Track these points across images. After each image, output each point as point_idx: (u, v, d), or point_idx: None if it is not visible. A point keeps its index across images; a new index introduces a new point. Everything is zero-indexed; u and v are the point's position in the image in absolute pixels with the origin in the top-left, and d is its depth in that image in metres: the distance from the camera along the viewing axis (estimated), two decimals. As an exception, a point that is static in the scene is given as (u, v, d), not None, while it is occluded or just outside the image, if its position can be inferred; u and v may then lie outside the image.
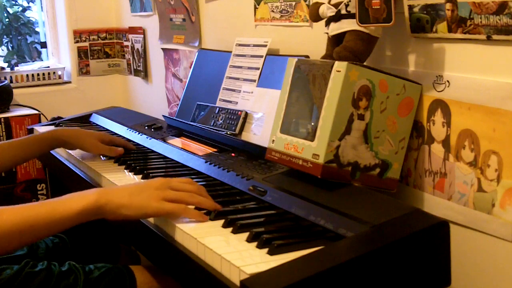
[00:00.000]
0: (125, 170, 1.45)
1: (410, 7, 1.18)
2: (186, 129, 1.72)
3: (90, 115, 2.22)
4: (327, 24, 1.28)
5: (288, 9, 1.63)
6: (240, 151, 1.44)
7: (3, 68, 2.74)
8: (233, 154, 1.43)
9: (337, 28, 1.24)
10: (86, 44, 2.82)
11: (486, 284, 1.14)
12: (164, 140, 1.66)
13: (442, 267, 0.96)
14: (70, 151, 1.67)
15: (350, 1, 1.21)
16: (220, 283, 0.89)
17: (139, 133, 1.78)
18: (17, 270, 1.22)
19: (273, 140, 1.21)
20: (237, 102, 1.66)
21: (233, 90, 1.70)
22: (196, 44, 2.13)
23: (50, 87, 2.80)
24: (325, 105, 1.10)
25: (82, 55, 2.83)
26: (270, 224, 1.06)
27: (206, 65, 1.89)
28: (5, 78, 2.69)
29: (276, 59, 1.60)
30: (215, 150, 1.49)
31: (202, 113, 1.74)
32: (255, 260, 0.90)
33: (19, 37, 3.08)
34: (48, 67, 2.87)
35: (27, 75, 2.76)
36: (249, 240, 0.97)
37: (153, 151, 1.64)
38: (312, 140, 1.12)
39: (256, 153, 1.38)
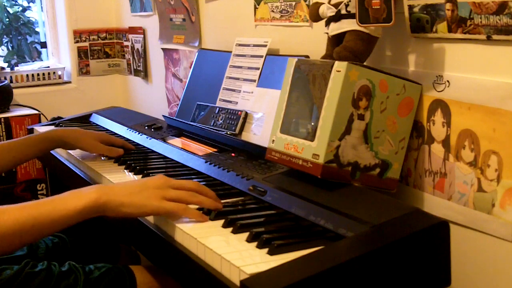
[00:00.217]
0: (125, 170, 1.45)
1: (410, 7, 1.18)
2: (186, 129, 1.72)
3: (90, 115, 2.22)
4: (327, 24, 1.28)
5: (288, 9, 1.63)
6: (240, 151, 1.44)
7: (3, 68, 2.74)
8: (233, 154, 1.43)
9: (337, 28, 1.24)
10: (86, 44, 2.82)
11: (486, 284, 1.14)
12: (164, 140, 1.66)
13: (442, 267, 0.96)
14: (70, 151, 1.67)
15: (350, 1, 1.21)
16: (220, 283, 0.89)
17: (139, 133, 1.78)
18: (17, 270, 1.22)
19: (273, 140, 1.21)
20: (237, 102, 1.66)
21: (233, 90, 1.70)
22: (196, 44, 2.13)
23: (50, 87, 2.80)
24: (325, 105, 1.10)
25: (82, 55, 2.83)
26: (270, 224, 1.06)
27: (206, 65, 1.89)
28: (5, 78, 2.69)
29: (276, 59, 1.60)
30: (215, 150, 1.50)
31: (202, 113, 1.74)
32: (255, 260, 0.90)
33: (19, 37, 3.08)
34: (48, 67, 2.87)
35: (27, 75, 2.76)
36: (249, 240, 0.97)
37: (153, 151, 1.64)
38: (312, 140, 1.12)
39: (256, 153, 1.38)
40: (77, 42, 2.80)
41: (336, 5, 1.25)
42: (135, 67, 2.71)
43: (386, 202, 1.05)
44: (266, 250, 0.93)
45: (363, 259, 0.86)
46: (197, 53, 1.98)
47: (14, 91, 2.60)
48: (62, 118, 2.26)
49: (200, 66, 1.92)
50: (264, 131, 1.51)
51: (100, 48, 2.85)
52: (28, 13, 3.13)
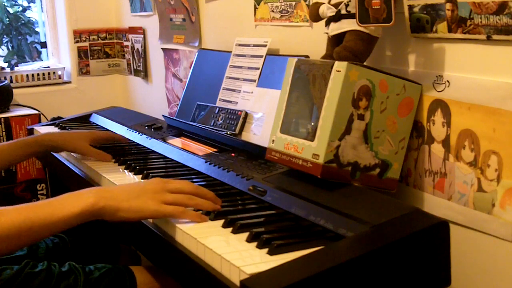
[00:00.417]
0: (125, 170, 1.45)
1: (410, 7, 1.18)
2: (186, 129, 1.72)
3: (90, 115, 2.22)
4: (327, 24, 1.28)
5: (288, 9, 1.63)
6: (240, 151, 1.44)
7: (3, 68, 2.74)
8: (233, 154, 1.43)
9: (337, 28, 1.24)
10: (86, 44, 2.82)
11: (486, 284, 1.14)
12: (164, 140, 1.66)
13: (442, 267, 0.96)
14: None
15: (350, 1, 1.21)
16: (220, 283, 0.89)
17: (139, 133, 1.78)
18: (17, 270, 1.22)
19: (273, 140, 1.21)
20: (237, 102, 1.66)
21: (233, 90, 1.70)
22: (196, 44, 2.13)
23: (50, 87, 2.80)
24: (325, 105, 1.10)
25: (82, 55, 2.83)
26: (270, 224, 1.06)
27: (206, 65, 1.89)
28: (5, 78, 2.69)
29: (276, 59, 1.60)
30: (215, 150, 1.50)
31: (202, 113, 1.74)
32: (255, 260, 0.90)
33: (19, 37, 3.08)
34: (48, 67, 2.87)
35: (27, 75, 2.76)
36: (249, 240, 0.97)
37: (153, 151, 1.64)
38: (312, 140, 1.12)
39: (256, 153, 1.38)
40: (77, 42, 2.80)
41: (336, 5, 1.25)
42: (135, 67, 2.71)
43: (386, 202, 1.05)
44: (266, 250, 0.93)
45: (363, 259, 0.86)
46: (197, 53, 1.98)
47: (14, 91, 2.60)
48: (62, 118, 2.27)
49: (200, 66, 1.92)
50: (264, 131, 1.51)
51: (100, 48, 2.85)
52: (28, 13, 3.13)
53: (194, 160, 1.45)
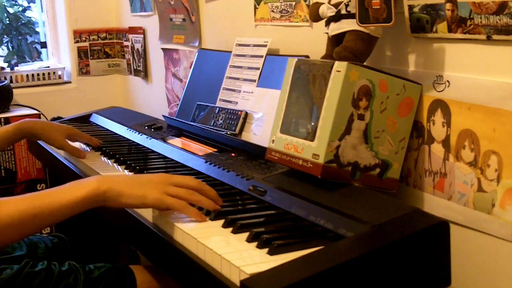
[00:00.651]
0: (125, 170, 1.45)
1: (410, 7, 1.18)
2: (186, 129, 1.72)
3: (90, 115, 2.22)
4: (327, 24, 1.28)
5: (288, 9, 1.63)
6: (240, 151, 1.44)
7: (3, 68, 2.74)
8: (233, 154, 1.43)
9: (337, 28, 1.24)
10: (86, 44, 2.82)
11: (486, 284, 1.14)
12: (164, 140, 1.66)
13: (442, 267, 0.96)
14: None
15: (350, 1, 1.21)
16: (220, 283, 0.89)
17: (139, 133, 1.78)
18: (17, 270, 1.22)
19: (273, 140, 1.21)
20: (237, 102, 1.66)
21: (233, 90, 1.70)
22: (196, 44, 2.13)
23: (50, 87, 2.80)
24: (325, 105, 1.10)
25: (82, 55, 2.83)
26: (270, 224, 1.06)
27: (206, 65, 1.89)
28: (5, 78, 2.69)
29: (276, 59, 1.60)
30: (215, 150, 1.50)
31: (202, 113, 1.74)
32: (255, 260, 0.90)
33: (19, 37, 3.08)
34: (48, 67, 2.87)
35: (27, 75, 2.76)
36: (249, 240, 0.97)
37: (153, 151, 1.64)
38: (312, 140, 1.12)
39: (256, 153, 1.38)
40: (77, 42, 2.80)
41: (336, 5, 1.25)
42: (135, 67, 2.71)
43: (386, 202, 1.05)
44: (266, 250, 0.93)
45: (363, 259, 0.86)
46: (197, 53, 1.98)
47: (14, 91, 2.60)
48: (62, 118, 2.26)
49: (200, 66, 1.92)
50: (264, 131, 1.51)
51: (100, 48, 2.86)
52: (28, 13, 3.13)
53: (194, 160, 1.45)
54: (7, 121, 2.42)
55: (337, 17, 1.24)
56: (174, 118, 1.84)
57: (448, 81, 1.15)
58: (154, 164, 1.52)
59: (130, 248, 1.68)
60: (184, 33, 2.20)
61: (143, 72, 2.63)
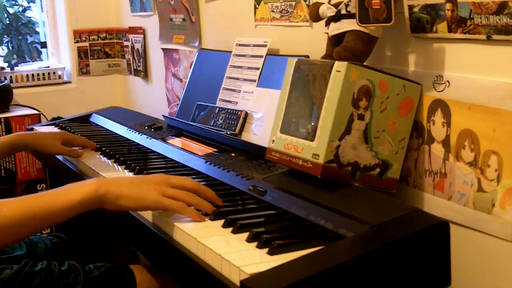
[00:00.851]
0: (125, 170, 1.45)
1: (410, 7, 1.18)
2: (186, 129, 1.72)
3: (90, 115, 2.22)
4: (327, 24, 1.28)
5: (288, 9, 1.63)
6: (240, 151, 1.44)
7: (3, 68, 2.74)
8: (233, 154, 1.43)
9: (337, 28, 1.24)
10: (86, 44, 2.82)
11: (486, 284, 1.14)
12: (164, 140, 1.66)
13: (442, 267, 0.96)
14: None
15: (350, 1, 1.21)
16: (220, 283, 0.89)
17: (139, 133, 1.78)
18: (17, 270, 1.22)
19: (273, 140, 1.21)
20: (237, 102, 1.66)
21: (233, 90, 1.70)
22: (196, 44, 2.13)
23: (50, 87, 2.80)
24: (325, 105, 1.10)
25: (82, 55, 2.83)
26: (270, 224, 1.06)
27: (206, 65, 1.89)
28: (5, 78, 2.69)
29: (276, 59, 1.60)
30: (215, 150, 1.50)
31: (202, 113, 1.74)
32: (255, 260, 0.90)
33: (19, 37, 3.08)
34: (48, 67, 2.87)
35: (27, 75, 2.76)
36: (249, 240, 0.97)
37: (153, 151, 1.64)
38: (312, 140, 1.12)
39: (256, 153, 1.37)
40: (77, 42, 2.80)
41: (336, 5, 1.25)
42: (135, 67, 2.71)
43: (386, 202, 1.05)
44: (266, 250, 0.93)
45: (363, 259, 0.86)
46: (197, 53, 1.98)
47: (14, 91, 2.60)
48: (62, 118, 2.27)
49: (200, 66, 1.92)
50: (264, 131, 1.51)
51: (100, 48, 2.86)
52: (28, 13, 3.13)
53: (194, 160, 1.45)
54: (7, 121, 2.42)
55: (337, 17, 1.24)
56: (174, 118, 1.84)
57: (448, 81, 1.15)
58: (154, 164, 1.52)
59: (130, 248, 1.68)
60: (184, 33, 2.20)
61: (143, 72, 2.63)
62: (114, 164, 1.52)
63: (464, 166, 1.13)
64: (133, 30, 2.67)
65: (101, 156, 1.62)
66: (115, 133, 1.92)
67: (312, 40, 1.54)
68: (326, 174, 1.10)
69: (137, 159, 1.57)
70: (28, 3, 3.12)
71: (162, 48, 2.41)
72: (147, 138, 1.72)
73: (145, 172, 1.39)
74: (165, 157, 1.57)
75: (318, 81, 1.13)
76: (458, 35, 1.10)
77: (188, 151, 1.53)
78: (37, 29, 3.10)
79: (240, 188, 1.23)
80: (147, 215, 1.15)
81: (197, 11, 2.09)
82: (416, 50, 1.23)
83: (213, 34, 2.05)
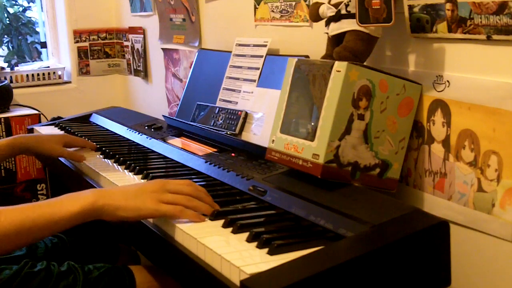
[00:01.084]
0: (125, 170, 1.45)
1: (410, 7, 1.18)
2: (186, 129, 1.72)
3: (90, 115, 2.22)
4: (327, 24, 1.28)
5: (288, 9, 1.63)
6: (240, 151, 1.44)
7: (3, 68, 2.74)
8: (233, 154, 1.43)
9: (337, 28, 1.24)
10: (86, 44, 2.82)
11: (486, 284, 1.14)
12: (164, 140, 1.66)
13: (442, 267, 0.96)
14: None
15: (350, 1, 1.21)
16: (220, 283, 0.89)
17: (139, 133, 1.78)
18: (16, 270, 1.22)
19: (273, 140, 1.21)
20: (237, 102, 1.66)
21: (233, 90, 1.70)
22: (196, 44, 2.13)
23: (50, 87, 2.80)
24: (325, 105, 1.10)
25: (82, 55, 2.83)
26: (270, 224, 1.06)
27: (206, 65, 1.89)
28: (5, 78, 2.69)
29: (276, 59, 1.60)
30: (215, 150, 1.49)
31: (202, 113, 1.74)
32: (255, 260, 0.90)
33: (19, 37, 3.08)
34: (48, 67, 2.87)
35: (27, 75, 2.76)
36: (249, 240, 0.97)
37: (153, 151, 1.64)
38: (312, 140, 1.12)
39: (256, 153, 1.37)
40: (77, 42, 2.80)
41: (336, 5, 1.25)
42: (135, 67, 2.71)
43: (386, 202, 1.05)
44: (266, 250, 0.93)
45: (363, 259, 0.86)
46: (197, 53, 1.98)
47: (14, 91, 2.60)
48: (62, 118, 2.27)
49: (200, 66, 1.92)
50: (264, 131, 1.51)
51: (100, 48, 2.86)
52: (28, 13, 3.13)
53: (194, 160, 1.45)
54: (7, 121, 2.42)
55: (337, 17, 1.24)
56: (174, 118, 1.84)
57: (448, 81, 1.15)
58: (154, 164, 1.52)
59: (130, 248, 1.68)
60: (184, 33, 2.20)
61: (143, 72, 2.63)
62: (114, 164, 1.52)
63: (464, 166, 1.13)
64: (133, 30, 2.67)
65: (101, 156, 1.62)
66: (115, 133, 1.92)
67: (312, 40, 1.54)
68: (326, 174, 1.10)
69: (137, 159, 1.57)
70: (28, 3, 3.12)
71: (162, 48, 2.41)
72: (147, 138, 1.72)
73: (145, 172, 1.39)
74: (165, 157, 1.57)
75: (318, 81, 1.13)
76: (458, 35, 1.10)
77: (188, 151, 1.53)
78: (37, 29, 3.10)
79: (240, 188, 1.23)
80: (147, 215, 1.15)
81: (197, 11, 2.09)
82: (416, 50, 1.23)
83: (213, 34, 2.05)
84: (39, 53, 3.10)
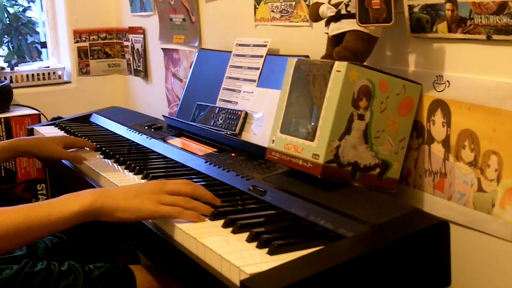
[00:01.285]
0: (125, 170, 1.45)
1: (410, 7, 1.18)
2: (186, 129, 1.72)
3: (90, 115, 2.22)
4: (327, 24, 1.28)
5: (288, 9, 1.63)
6: (240, 151, 1.44)
7: (3, 68, 2.74)
8: (233, 154, 1.43)
9: (337, 28, 1.24)
10: (86, 44, 2.82)
11: (486, 284, 1.14)
12: (164, 140, 1.66)
13: (442, 267, 0.96)
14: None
15: (350, 1, 1.21)
16: (220, 283, 0.89)
17: (139, 133, 1.78)
18: (17, 270, 1.22)
19: (273, 140, 1.21)
20: (237, 102, 1.66)
21: (233, 90, 1.70)
22: (196, 44, 2.13)
23: (50, 87, 2.80)
24: (325, 105, 1.10)
25: (82, 55, 2.83)
26: (270, 224, 1.06)
27: (206, 65, 1.89)
28: (5, 78, 2.69)
29: (276, 59, 1.60)
30: (215, 150, 1.50)
31: (202, 113, 1.74)
32: (255, 260, 0.90)
33: (19, 37, 3.08)
34: (48, 67, 2.87)
35: (27, 75, 2.76)
36: (249, 240, 0.97)
37: (153, 151, 1.64)
38: (312, 140, 1.12)
39: (256, 153, 1.37)
40: (77, 42, 2.80)
41: (336, 5, 1.25)
42: (135, 67, 2.71)
43: (386, 202, 1.05)
44: (266, 250, 0.93)
45: (363, 259, 0.86)
46: (197, 53, 1.98)
47: (14, 91, 2.60)
48: (62, 118, 2.27)
49: (200, 66, 1.92)
50: (264, 131, 1.51)
51: (100, 48, 2.86)
52: (28, 13, 3.13)
53: (194, 160, 1.45)
54: (7, 121, 2.42)
55: (337, 17, 1.24)
56: (174, 118, 1.84)
57: (448, 81, 1.15)
58: (154, 164, 1.52)
59: (130, 248, 1.68)
60: (184, 33, 2.20)
61: (143, 72, 2.63)
62: (114, 164, 1.52)
63: (464, 166, 1.13)
64: (133, 30, 2.67)
65: (101, 156, 1.62)
66: (115, 133, 1.92)
67: (312, 40, 1.54)
68: (326, 174, 1.10)
69: (137, 159, 1.57)
70: (28, 3, 3.12)
71: (162, 48, 2.41)
72: (147, 138, 1.72)
73: (145, 172, 1.39)
74: (165, 157, 1.57)
75: (318, 81, 1.13)
76: (458, 35, 1.10)
77: (188, 151, 1.53)
78: (37, 29, 3.10)
79: (240, 188, 1.23)
80: (147, 215, 1.15)
81: (197, 11, 2.09)
82: (416, 50, 1.23)
83: (213, 34, 2.05)
84: (39, 53, 3.10)
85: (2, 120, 2.41)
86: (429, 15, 1.15)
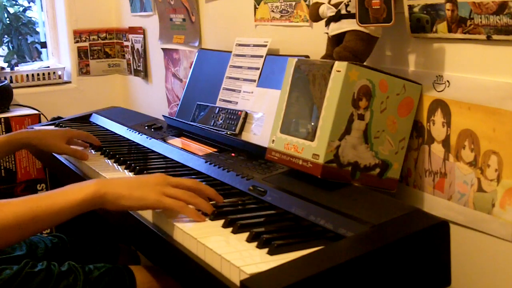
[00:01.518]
0: (125, 170, 1.45)
1: (410, 7, 1.18)
2: (186, 129, 1.72)
3: (90, 115, 2.22)
4: (327, 24, 1.28)
5: (288, 9, 1.63)
6: (240, 151, 1.44)
7: (3, 68, 2.74)
8: (233, 154, 1.43)
9: (337, 28, 1.24)
10: (86, 44, 2.82)
11: (486, 284, 1.14)
12: (164, 140, 1.66)
13: (442, 267, 0.96)
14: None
15: (350, 1, 1.21)
16: (220, 283, 0.89)
17: (139, 133, 1.78)
18: (17, 270, 1.22)
19: (273, 140, 1.21)
20: (237, 102, 1.66)
21: (233, 90, 1.70)
22: (196, 44, 2.13)
23: (50, 87, 2.80)
24: (325, 105, 1.10)
25: (82, 55, 2.83)
26: (270, 224, 1.06)
27: (206, 65, 1.89)
28: (5, 78, 2.69)
29: (276, 59, 1.60)
30: (215, 150, 1.50)
31: (202, 113, 1.74)
32: (255, 260, 0.90)
33: (19, 37, 3.08)
34: (48, 67, 2.87)
35: (27, 75, 2.76)
36: (249, 240, 0.97)
37: (153, 151, 1.64)
38: (312, 140, 1.12)
39: (256, 153, 1.38)
40: (77, 42, 2.80)
41: (336, 5, 1.25)
42: (135, 67, 2.71)
43: (386, 202, 1.05)
44: (266, 250, 0.93)
45: (363, 259, 0.86)
46: (197, 53, 1.98)
47: (14, 91, 2.60)
48: (62, 118, 2.27)
49: (200, 66, 1.92)
50: (264, 131, 1.51)
51: (100, 48, 2.86)
52: (28, 13, 3.13)
53: (194, 160, 1.45)
54: (7, 121, 2.42)
55: (337, 17, 1.24)
56: (174, 118, 1.84)
57: (448, 81, 1.15)
58: (154, 164, 1.52)
59: (130, 248, 1.68)
60: (184, 33, 2.20)
61: (143, 72, 2.63)
62: (114, 164, 1.52)
63: (464, 166, 1.13)
64: (133, 30, 2.67)
65: (101, 156, 1.62)
66: (115, 133, 1.92)
67: (312, 40, 1.54)
68: (326, 174, 1.10)
69: (137, 159, 1.57)
70: (28, 3, 3.12)
71: (162, 48, 2.41)
72: (147, 138, 1.72)
73: (145, 172, 1.39)
74: (165, 157, 1.57)
75: (318, 81, 1.13)
76: (458, 35, 1.10)
77: (188, 151, 1.53)
78: (37, 29, 3.10)
79: (240, 188, 1.23)
80: (147, 215, 1.15)
81: (197, 11, 2.09)
82: (416, 50, 1.23)
83: (213, 34, 2.05)
84: (39, 53, 3.10)
85: (2, 120, 2.41)
86: (429, 15, 1.15)
